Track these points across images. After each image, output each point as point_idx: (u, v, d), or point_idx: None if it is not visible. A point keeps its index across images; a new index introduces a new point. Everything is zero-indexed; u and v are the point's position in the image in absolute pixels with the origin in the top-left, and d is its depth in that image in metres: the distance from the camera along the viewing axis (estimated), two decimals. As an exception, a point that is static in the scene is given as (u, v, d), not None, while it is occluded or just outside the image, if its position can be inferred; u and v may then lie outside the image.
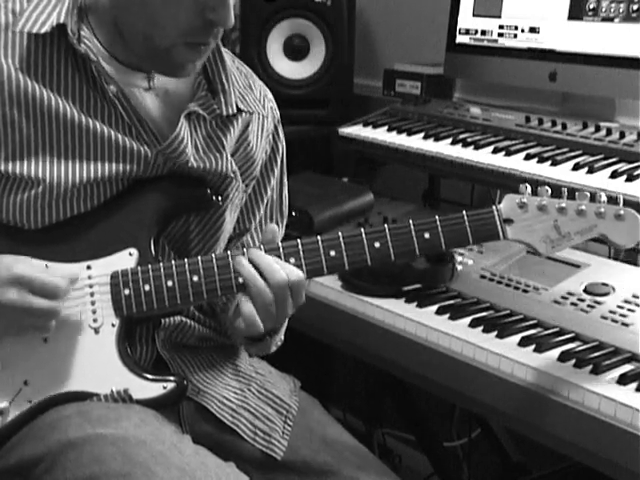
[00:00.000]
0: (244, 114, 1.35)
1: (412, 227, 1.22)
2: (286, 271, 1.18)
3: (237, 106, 1.33)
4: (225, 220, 1.35)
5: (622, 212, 1.21)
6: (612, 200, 1.22)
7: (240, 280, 1.20)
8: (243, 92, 1.37)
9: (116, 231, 1.23)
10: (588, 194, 1.22)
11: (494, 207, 1.23)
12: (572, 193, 1.22)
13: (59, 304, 1.15)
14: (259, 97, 1.41)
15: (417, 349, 1.46)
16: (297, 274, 1.19)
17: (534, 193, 1.23)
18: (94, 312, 1.21)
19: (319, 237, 1.22)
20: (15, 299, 1.12)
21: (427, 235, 1.22)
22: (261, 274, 1.18)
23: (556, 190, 1.24)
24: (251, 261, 1.19)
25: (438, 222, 1.22)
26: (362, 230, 1.22)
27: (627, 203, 1.46)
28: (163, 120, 1.28)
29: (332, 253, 1.21)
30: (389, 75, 2.22)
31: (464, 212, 1.22)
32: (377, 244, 1.22)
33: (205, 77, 1.31)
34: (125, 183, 1.25)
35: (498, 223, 1.22)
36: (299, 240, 1.22)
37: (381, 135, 1.93)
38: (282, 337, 1.40)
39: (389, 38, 2.45)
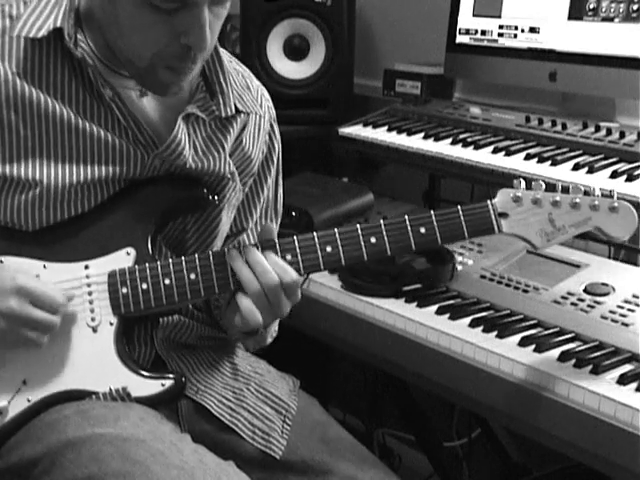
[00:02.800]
0: (242, 115, 1.35)
1: (408, 222, 1.22)
2: (279, 272, 1.18)
3: (235, 107, 1.33)
4: (222, 220, 1.35)
5: (616, 204, 1.21)
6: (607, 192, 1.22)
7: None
8: (241, 92, 1.37)
9: (113, 231, 1.23)
10: (582, 188, 1.22)
11: (489, 201, 1.23)
12: (566, 188, 1.22)
13: (57, 319, 1.16)
14: (256, 96, 1.41)
15: (417, 349, 1.45)
16: (290, 275, 1.19)
17: (528, 187, 1.23)
18: (92, 311, 1.21)
19: (315, 233, 1.22)
20: (15, 308, 1.13)
21: (423, 230, 1.22)
22: (255, 276, 1.18)
23: (551, 185, 1.23)
24: (247, 262, 1.19)
25: (433, 217, 1.22)
26: (358, 226, 1.22)
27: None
28: (161, 122, 1.28)
29: (328, 249, 1.21)
30: (389, 75, 2.22)
31: (459, 207, 1.23)
32: (373, 239, 1.22)
33: (203, 78, 1.31)
34: (122, 184, 1.25)
35: (493, 217, 1.23)
36: (295, 237, 1.22)
37: (381, 135, 1.93)
38: (276, 328, 1.41)
39: (389, 38, 2.45)
